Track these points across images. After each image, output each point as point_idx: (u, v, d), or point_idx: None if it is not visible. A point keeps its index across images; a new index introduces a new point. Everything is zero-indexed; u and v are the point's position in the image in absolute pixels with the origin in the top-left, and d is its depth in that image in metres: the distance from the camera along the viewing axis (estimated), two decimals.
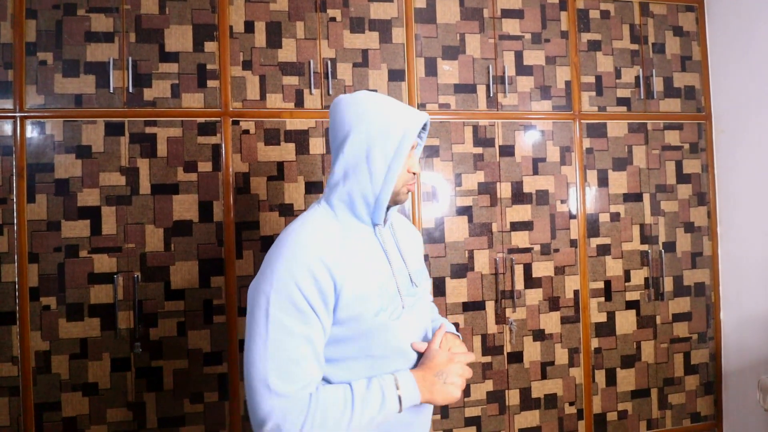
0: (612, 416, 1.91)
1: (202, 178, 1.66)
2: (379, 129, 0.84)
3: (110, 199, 1.62)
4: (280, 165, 1.69)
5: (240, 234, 1.66)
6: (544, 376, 1.85)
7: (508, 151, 1.85)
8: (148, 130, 1.65)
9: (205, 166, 1.66)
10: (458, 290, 1.80)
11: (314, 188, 1.71)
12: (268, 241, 1.68)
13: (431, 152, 1.79)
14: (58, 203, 1.59)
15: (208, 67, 1.68)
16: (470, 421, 1.80)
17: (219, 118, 1.68)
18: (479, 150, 1.83)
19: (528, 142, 1.87)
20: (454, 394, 0.86)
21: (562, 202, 1.89)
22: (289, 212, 1.69)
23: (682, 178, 1.99)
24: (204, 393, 1.65)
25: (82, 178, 1.60)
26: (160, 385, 1.63)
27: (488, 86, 1.85)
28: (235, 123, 1.69)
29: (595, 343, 1.89)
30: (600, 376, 1.90)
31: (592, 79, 1.93)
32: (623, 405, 1.92)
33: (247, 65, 1.70)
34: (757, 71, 1.83)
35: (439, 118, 1.80)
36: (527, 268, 1.85)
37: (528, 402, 1.84)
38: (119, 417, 1.61)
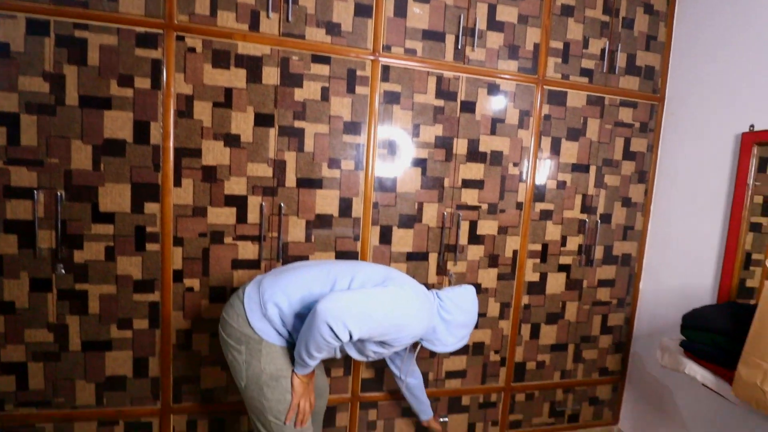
0: (531, 365, 1.93)
1: (139, 96, 1.40)
2: None
3: (30, 106, 1.34)
4: (228, 91, 1.45)
5: (179, 160, 1.44)
6: (475, 326, 1.82)
7: (469, 107, 1.69)
8: (78, 33, 1.35)
9: (142, 83, 1.40)
10: (404, 240, 1.69)
11: (265, 121, 1.50)
12: (210, 171, 1.47)
13: (392, 98, 1.60)
14: None
15: None
16: None
17: (161, 30, 1.40)
18: (440, 102, 1.66)
19: (490, 101, 1.71)
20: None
21: (515, 165, 1.78)
22: (235, 143, 1.48)
23: (629, 155, 1.93)
24: (133, 320, 1.49)
25: None
26: (85, 309, 1.44)
27: (457, 37, 1.65)
28: (180, 39, 1.41)
29: (525, 299, 1.86)
30: (525, 330, 1.89)
31: (560, 45, 1.77)
32: (542, 356, 1.94)
33: None
34: (714, 58, 1.73)
35: (404, 63, 1.60)
36: (473, 225, 1.75)
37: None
38: (39, 338, 1.42)
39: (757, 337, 1.17)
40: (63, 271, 1.40)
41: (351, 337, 1.03)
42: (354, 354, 1.22)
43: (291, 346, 1.18)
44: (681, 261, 1.82)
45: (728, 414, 1.59)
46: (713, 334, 1.35)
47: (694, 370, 1.40)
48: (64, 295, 1.42)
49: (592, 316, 1.97)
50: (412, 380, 1.51)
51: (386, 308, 1.09)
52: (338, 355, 1.23)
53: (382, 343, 1.16)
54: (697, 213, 1.76)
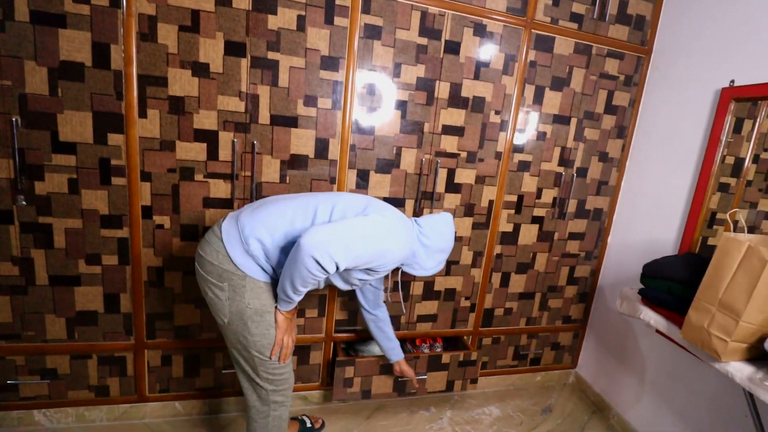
0: (499, 312, 2.02)
1: (97, 14, 1.28)
2: None
3: None
4: (196, 14, 1.35)
5: (144, 89, 1.36)
6: (448, 273, 1.86)
7: (453, 48, 1.62)
8: None
9: None
10: (381, 185, 1.67)
11: (237, 50, 1.40)
12: (177, 102, 1.39)
13: (373, 33, 1.52)
14: None
15: None
16: None
17: None
18: (424, 41, 1.58)
19: (475, 42, 1.64)
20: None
21: (496, 113, 1.75)
22: (204, 73, 1.39)
23: (610, 109, 1.91)
24: (102, 255, 1.46)
25: None
26: (50, 243, 1.41)
27: None
28: None
29: (498, 249, 1.91)
30: (496, 278, 1.95)
31: None
32: (510, 303, 2.02)
33: None
34: (706, 11, 1.68)
35: None
36: (451, 173, 1.74)
37: (429, 293, 1.86)
38: (3, 271, 1.39)
39: (709, 283, 1.23)
40: (24, 202, 1.34)
41: (338, 268, 1.04)
42: (339, 283, 1.23)
43: (274, 281, 1.17)
44: (649, 216, 1.88)
45: (678, 360, 1.71)
46: (669, 281, 1.41)
47: (649, 315, 1.47)
48: (27, 227, 1.37)
49: (560, 268, 2.04)
50: (380, 313, 1.54)
51: (369, 236, 1.09)
52: (322, 286, 1.24)
53: (367, 270, 1.17)
54: (669, 169, 1.79)
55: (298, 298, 1.13)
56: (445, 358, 1.79)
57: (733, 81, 1.53)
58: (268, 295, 1.15)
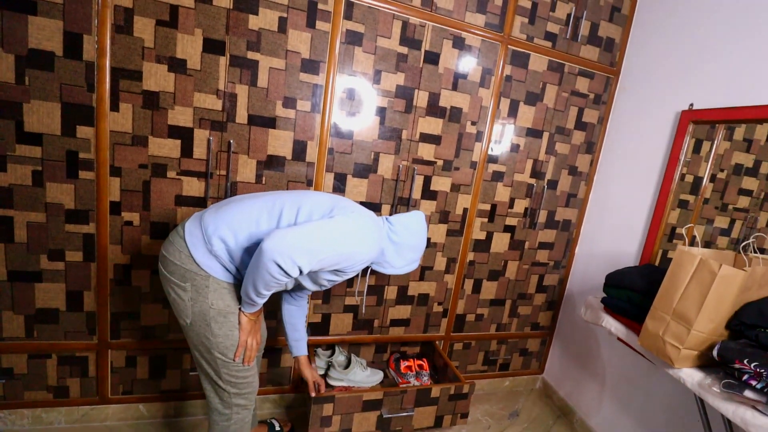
0: (471, 317, 2.04)
1: (69, 3, 1.23)
2: None
3: None
4: (174, 9, 1.32)
5: (117, 82, 1.32)
6: (422, 278, 1.88)
7: (432, 58, 1.65)
8: None
9: None
10: (358, 189, 1.67)
11: (215, 48, 1.38)
12: (152, 97, 1.36)
13: (354, 39, 1.53)
14: None
15: None
16: (348, 309, 1.80)
17: None
18: (404, 50, 1.60)
19: (454, 54, 1.67)
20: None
21: (473, 123, 1.78)
22: (181, 69, 1.36)
23: (580, 125, 1.98)
24: (66, 251, 1.40)
25: None
26: (11, 236, 1.34)
27: None
28: None
29: (471, 256, 1.94)
30: (468, 284, 1.98)
31: (528, 4, 1.74)
32: (481, 310, 2.05)
33: None
34: (670, 37, 1.77)
35: (369, 2, 1.52)
36: (427, 180, 1.76)
37: (403, 298, 1.87)
38: None
39: (665, 293, 1.28)
40: None
41: (301, 272, 1.02)
42: (309, 284, 1.21)
43: (238, 282, 1.14)
44: (614, 229, 1.95)
45: (637, 366, 1.77)
46: (629, 291, 1.47)
47: (610, 323, 1.52)
48: None
49: (530, 276, 2.09)
50: (300, 302, 1.48)
51: (334, 239, 1.07)
52: (290, 287, 1.22)
53: (335, 271, 1.16)
54: (633, 184, 1.87)
55: (262, 301, 1.10)
56: (435, 391, 1.66)
57: (692, 104, 1.61)
58: (232, 296, 1.12)
